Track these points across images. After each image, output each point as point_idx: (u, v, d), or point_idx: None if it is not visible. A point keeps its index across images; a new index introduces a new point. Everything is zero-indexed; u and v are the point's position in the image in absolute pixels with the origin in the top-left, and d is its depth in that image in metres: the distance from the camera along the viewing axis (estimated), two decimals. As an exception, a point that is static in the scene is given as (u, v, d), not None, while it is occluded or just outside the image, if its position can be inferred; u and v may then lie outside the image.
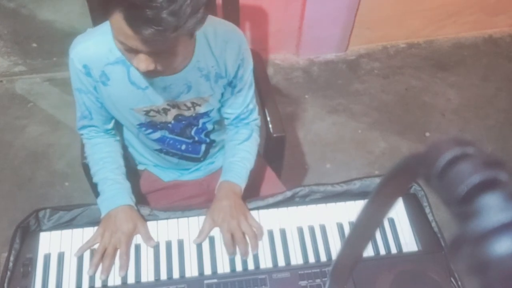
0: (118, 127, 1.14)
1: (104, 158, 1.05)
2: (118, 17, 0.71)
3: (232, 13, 1.37)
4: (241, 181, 1.06)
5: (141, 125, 1.04)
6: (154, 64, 0.80)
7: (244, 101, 1.08)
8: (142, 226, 0.97)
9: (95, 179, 1.04)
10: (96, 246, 0.94)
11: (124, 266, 0.92)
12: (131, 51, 0.78)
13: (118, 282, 0.91)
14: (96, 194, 1.04)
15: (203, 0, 0.72)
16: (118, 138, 1.12)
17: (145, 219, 1.00)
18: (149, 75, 0.85)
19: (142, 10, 0.68)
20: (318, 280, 0.92)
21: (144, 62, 0.79)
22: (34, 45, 2.36)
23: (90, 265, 0.91)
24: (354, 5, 2.18)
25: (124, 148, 1.24)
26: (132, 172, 1.26)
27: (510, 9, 2.46)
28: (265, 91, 1.34)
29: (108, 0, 0.72)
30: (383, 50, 2.46)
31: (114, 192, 1.00)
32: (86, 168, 1.13)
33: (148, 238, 0.97)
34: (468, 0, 2.33)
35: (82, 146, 1.13)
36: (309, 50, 2.36)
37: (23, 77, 2.24)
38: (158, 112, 1.01)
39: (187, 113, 1.04)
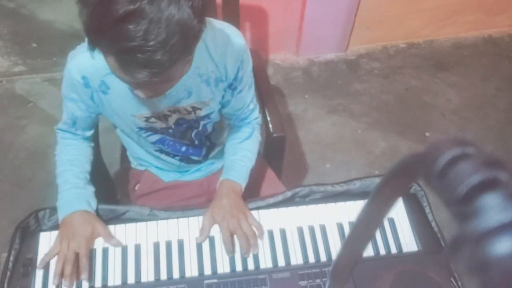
0: (117, 131, 1.13)
1: (71, 161, 1.03)
2: (111, 59, 0.71)
3: (232, 13, 1.37)
4: (242, 180, 1.06)
5: (140, 128, 1.04)
6: (153, 92, 0.81)
7: (244, 101, 1.08)
8: (101, 227, 0.96)
9: (57, 180, 1.02)
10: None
11: (85, 269, 0.91)
12: (129, 83, 0.79)
13: (118, 282, 0.91)
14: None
15: (194, 29, 0.70)
16: (92, 144, 1.10)
17: (104, 220, 0.98)
18: (150, 99, 0.86)
19: (134, 55, 0.67)
20: (318, 280, 0.92)
21: (143, 93, 0.80)
22: (34, 45, 2.36)
23: (54, 275, 0.90)
24: (354, 5, 2.18)
25: (124, 148, 1.24)
26: (133, 173, 1.27)
27: (510, 9, 2.46)
28: (265, 91, 1.34)
29: (99, 45, 0.70)
30: (383, 50, 2.46)
31: (70, 197, 0.98)
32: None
33: (109, 237, 0.95)
34: (468, 0, 2.33)
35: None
36: (309, 50, 2.36)
37: (23, 77, 2.24)
38: (158, 118, 1.01)
39: (187, 117, 1.04)
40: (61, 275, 0.90)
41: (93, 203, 0.99)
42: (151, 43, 0.66)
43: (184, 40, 0.69)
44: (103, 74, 0.92)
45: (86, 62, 0.91)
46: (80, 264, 0.91)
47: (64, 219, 0.95)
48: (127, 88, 0.93)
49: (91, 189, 1.02)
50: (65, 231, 0.94)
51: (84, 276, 0.91)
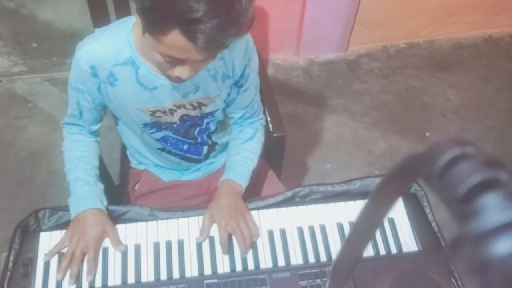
0: (122, 128, 1.14)
1: (79, 157, 1.04)
2: (175, 33, 0.73)
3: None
4: (243, 181, 1.06)
5: (145, 125, 1.04)
6: (195, 71, 0.84)
7: (249, 100, 1.09)
8: (111, 230, 0.96)
9: (67, 177, 1.03)
10: (64, 250, 0.93)
11: (92, 271, 0.91)
12: (176, 62, 0.81)
13: (118, 282, 0.91)
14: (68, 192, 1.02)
15: (251, 3, 0.74)
16: (99, 139, 1.11)
17: (114, 222, 0.98)
18: (183, 80, 0.87)
19: (203, 24, 0.70)
20: (318, 280, 0.92)
21: (188, 70, 0.82)
22: (34, 45, 2.36)
23: (58, 270, 0.90)
24: (354, 5, 2.18)
25: (124, 147, 1.24)
26: (133, 173, 1.27)
27: (510, 9, 2.46)
28: (265, 91, 1.33)
29: (165, 19, 0.72)
30: (383, 50, 2.46)
31: (84, 194, 0.98)
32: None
33: (117, 242, 0.96)
34: (468, 0, 2.33)
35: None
36: (309, 50, 2.36)
37: (23, 77, 2.24)
38: (164, 112, 1.01)
39: (192, 113, 1.04)
40: (66, 270, 0.90)
41: (104, 200, 1.00)
42: (212, 14, 0.70)
43: (246, 9, 0.73)
44: (111, 65, 0.93)
45: (95, 51, 0.92)
46: (87, 266, 0.92)
47: (77, 216, 0.96)
48: (135, 81, 0.94)
49: (101, 186, 1.03)
50: (77, 228, 0.94)
51: (89, 278, 0.91)
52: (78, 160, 1.03)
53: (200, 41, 0.72)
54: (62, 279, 0.90)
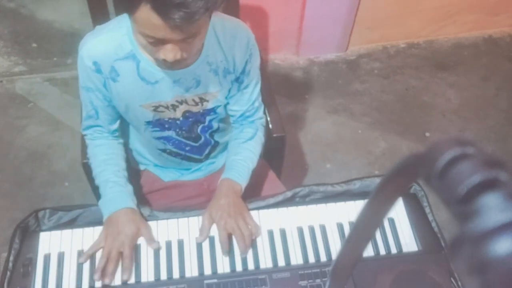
0: (122, 128, 1.14)
1: (106, 160, 1.04)
2: (145, 9, 0.73)
3: (232, 13, 1.36)
4: (242, 180, 1.06)
5: (149, 123, 1.04)
6: (180, 52, 0.82)
7: (250, 98, 1.09)
8: (145, 229, 0.96)
9: (96, 182, 1.03)
10: (100, 251, 0.93)
11: (128, 269, 0.92)
12: (157, 43, 0.80)
13: (118, 282, 0.91)
14: (98, 196, 1.03)
15: None
16: (121, 140, 1.11)
17: (146, 220, 0.99)
18: (174, 65, 0.86)
19: None
20: (318, 280, 0.92)
21: (171, 51, 0.81)
22: (34, 45, 2.36)
23: (96, 270, 0.90)
24: (354, 5, 2.18)
25: (126, 148, 1.24)
26: (133, 173, 1.26)
27: (510, 9, 2.46)
28: (265, 91, 1.33)
29: None
30: (383, 50, 2.46)
31: (115, 195, 0.99)
32: (86, 168, 1.12)
33: (151, 240, 0.96)
34: (468, 0, 2.33)
35: (83, 146, 1.13)
36: (309, 50, 2.36)
37: (23, 77, 2.24)
38: (166, 107, 1.01)
39: (194, 109, 1.04)
40: (103, 270, 0.90)
41: (135, 200, 1.01)
42: None
43: None
44: (113, 60, 0.93)
45: (96, 47, 0.93)
46: (123, 264, 0.92)
47: (109, 217, 0.96)
48: (137, 75, 0.94)
49: (130, 187, 1.03)
50: (111, 228, 0.94)
51: (125, 276, 0.91)
52: (105, 163, 1.03)
53: (172, 15, 0.72)
54: (99, 278, 0.90)
